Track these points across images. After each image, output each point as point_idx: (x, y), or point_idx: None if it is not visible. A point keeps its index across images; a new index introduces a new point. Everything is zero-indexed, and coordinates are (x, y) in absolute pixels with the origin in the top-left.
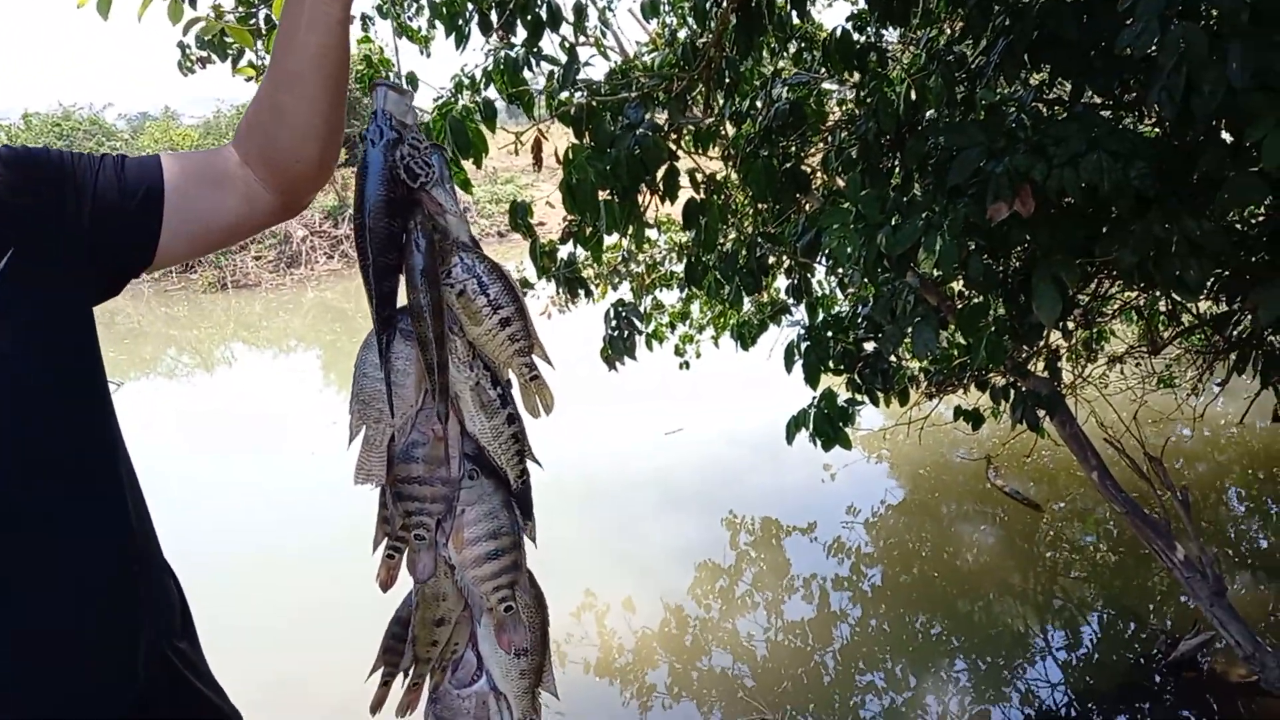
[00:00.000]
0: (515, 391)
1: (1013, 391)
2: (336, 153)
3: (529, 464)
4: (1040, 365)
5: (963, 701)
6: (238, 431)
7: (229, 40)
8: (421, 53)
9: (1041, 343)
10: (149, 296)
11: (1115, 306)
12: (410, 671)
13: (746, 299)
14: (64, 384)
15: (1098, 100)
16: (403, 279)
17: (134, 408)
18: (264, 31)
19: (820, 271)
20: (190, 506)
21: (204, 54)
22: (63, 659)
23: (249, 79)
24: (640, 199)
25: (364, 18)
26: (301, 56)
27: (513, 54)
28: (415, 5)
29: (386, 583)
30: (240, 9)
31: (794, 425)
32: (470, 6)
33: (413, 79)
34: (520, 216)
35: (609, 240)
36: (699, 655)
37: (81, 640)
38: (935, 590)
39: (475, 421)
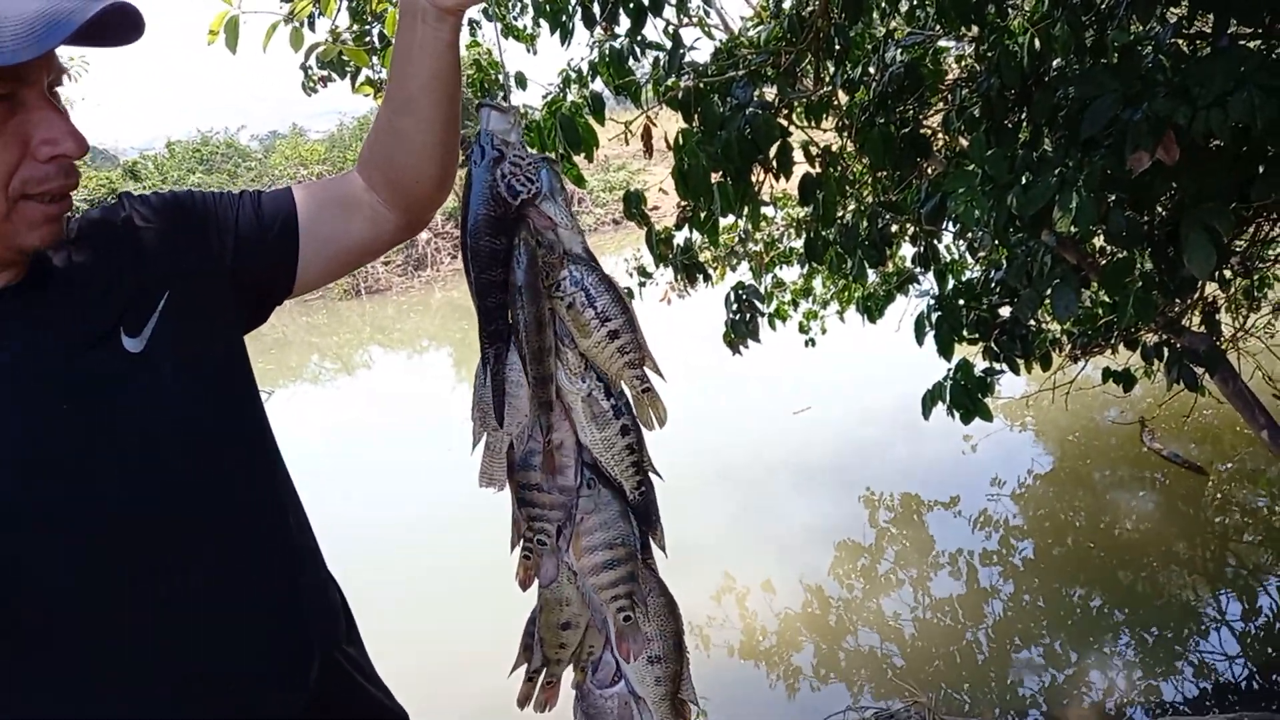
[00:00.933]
0: (632, 404)
1: (1166, 350)
2: (454, 170)
3: (652, 477)
4: (1196, 319)
5: (1130, 677)
6: (380, 432)
7: (346, 60)
8: (528, 50)
9: (1196, 296)
10: (290, 307)
11: (1278, 251)
12: (543, 671)
13: (871, 271)
14: (225, 411)
15: (1245, 31)
16: None
17: (284, 414)
18: (378, 48)
19: (948, 237)
20: (340, 506)
21: (324, 73)
22: (237, 668)
23: (367, 94)
24: (754, 178)
25: (470, 23)
26: (415, 81)
27: (617, 45)
28: (519, 5)
29: (524, 582)
30: (355, 28)
31: (930, 399)
32: (572, 2)
33: (521, 79)
34: (634, 205)
35: (724, 222)
36: (844, 635)
37: (254, 650)
38: (1093, 562)
39: (588, 433)
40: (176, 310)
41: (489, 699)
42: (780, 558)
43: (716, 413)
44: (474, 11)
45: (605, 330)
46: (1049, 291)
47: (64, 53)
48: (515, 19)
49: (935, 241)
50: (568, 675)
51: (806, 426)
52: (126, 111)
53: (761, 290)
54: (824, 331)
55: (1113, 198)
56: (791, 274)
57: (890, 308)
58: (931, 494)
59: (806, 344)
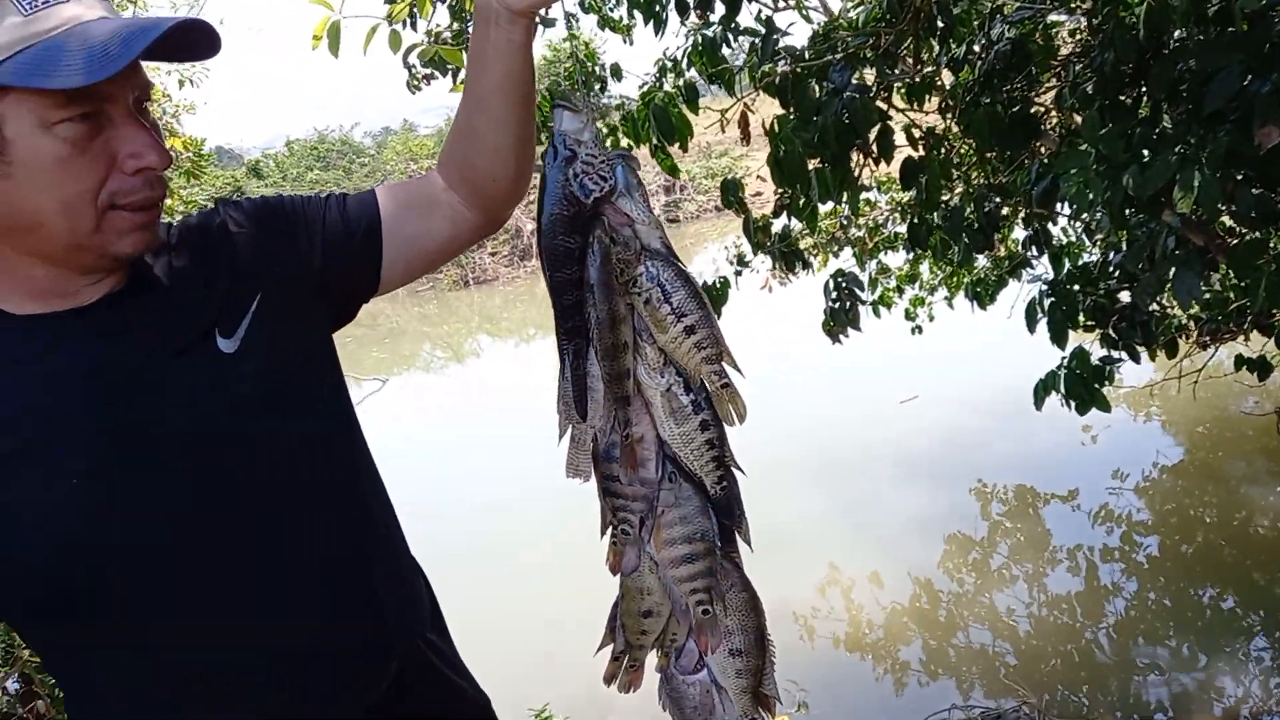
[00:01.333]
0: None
1: None
2: (530, 168)
3: (735, 472)
4: None
5: (1266, 684)
6: (489, 418)
7: (445, 59)
8: (625, 41)
9: None
10: (403, 298)
11: None
12: (626, 655)
13: (981, 256)
14: (312, 408)
15: None
16: None
17: (399, 401)
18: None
19: (1063, 219)
20: (447, 488)
21: (428, 71)
22: (316, 660)
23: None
24: (853, 163)
25: (568, 16)
26: (488, 82)
27: (709, 33)
28: None
29: (615, 567)
30: (454, 26)
31: (1042, 389)
32: None
33: (616, 70)
34: (732, 193)
35: (824, 209)
36: (954, 631)
37: (332, 643)
38: (1224, 560)
39: (666, 428)
40: (268, 311)
41: (582, 672)
42: (887, 550)
43: (820, 402)
44: (571, 4)
45: (681, 325)
46: (1170, 275)
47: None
48: (611, 10)
49: (1048, 224)
50: (653, 658)
51: (914, 416)
52: (250, 113)
53: (864, 277)
54: (931, 318)
55: (1239, 175)
56: (897, 260)
57: (1002, 293)
58: (1048, 486)
59: (913, 331)
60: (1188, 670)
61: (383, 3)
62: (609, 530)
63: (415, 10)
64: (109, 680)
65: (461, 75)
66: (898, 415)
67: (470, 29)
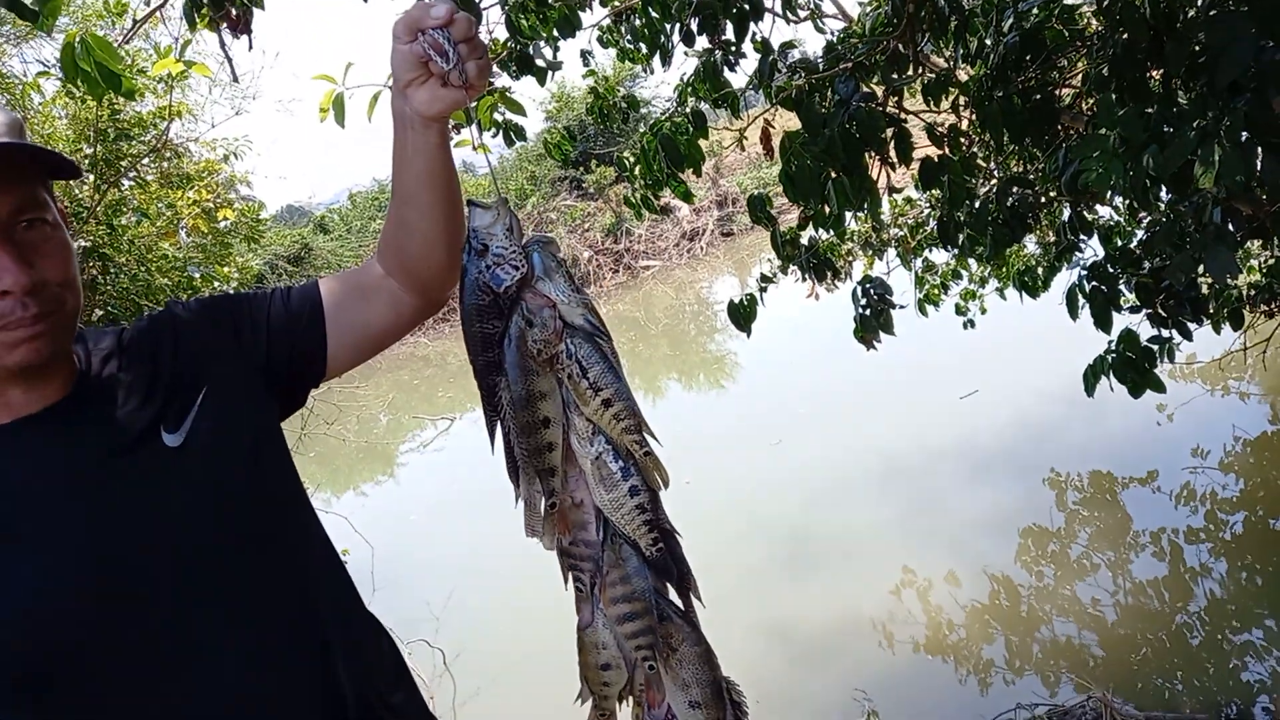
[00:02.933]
0: None
1: None
2: (460, 253)
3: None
4: None
5: None
6: None
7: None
8: (645, 71)
9: None
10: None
11: None
12: (592, 707)
13: (1030, 243)
14: (259, 494)
15: None
16: None
17: (469, 437)
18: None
19: (1112, 200)
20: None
21: (455, 122)
22: (264, 699)
23: (475, 149)
24: (872, 167)
25: (583, 53)
26: (412, 179)
27: (711, 59)
28: (628, 29)
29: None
30: None
31: (1091, 375)
32: (668, 25)
33: (633, 101)
34: (759, 209)
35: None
36: (1037, 626)
37: (282, 707)
38: None
39: (597, 494)
40: (214, 404)
41: None
42: (961, 548)
43: (879, 405)
44: (584, 42)
45: (599, 399)
46: (1205, 254)
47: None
48: (629, 42)
49: (1084, 209)
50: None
51: (976, 411)
52: (320, 170)
53: (911, 276)
54: (983, 311)
55: (1261, 146)
56: (943, 256)
57: (1056, 279)
58: (1125, 470)
59: (965, 325)
60: None
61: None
62: (569, 582)
63: None
64: None
65: (465, 135)
66: (961, 412)
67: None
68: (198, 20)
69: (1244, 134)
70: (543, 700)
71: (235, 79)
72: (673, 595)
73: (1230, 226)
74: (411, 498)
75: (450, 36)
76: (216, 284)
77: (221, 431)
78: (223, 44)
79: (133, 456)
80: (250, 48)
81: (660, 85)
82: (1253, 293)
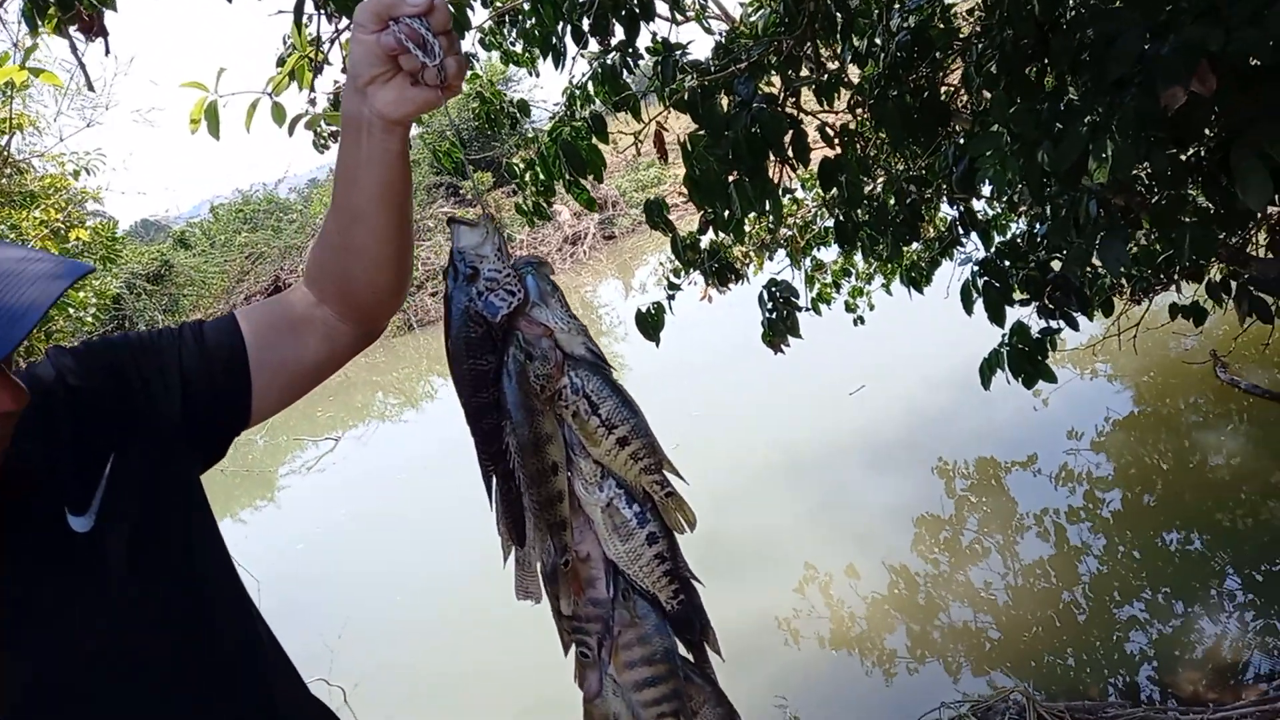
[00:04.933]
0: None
1: (1234, 283)
2: (409, 275)
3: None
4: (1262, 242)
5: (1242, 619)
6: (447, 464)
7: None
8: (531, 74)
9: (1259, 217)
10: None
11: None
12: None
13: (914, 243)
14: (185, 571)
15: None
16: None
17: (360, 454)
18: None
19: (987, 195)
20: (418, 537)
21: (334, 129)
22: None
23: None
24: (772, 170)
25: (468, 56)
26: (364, 194)
27: (609, 61)
28: (515, 31)
29: (582, 683)
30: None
31: (987, 369)
32: (559, 25)
33: (524, 106)
34: (656, 214)
35: (749, 217)
36: (935, 613)
37: None
38: (1186, 505)
39: (610, 546)
40: (124, 475)
41: None
42: (860, 541)
43: (774, 405)
44: (469, 45)
45: (614, 438)
46: (1097, 244)
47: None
48: (513, 44)
49: (972, 203)
50: None
51: (868, 406)
52: (178, 182)
53: (802, 276)
54: (871, 308)
55: (1151, 139)
56: (830, 254)
57: (937, 273)
58: (1007, 455)
59: (855, 323)
60: (1166, 619)
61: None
62: (571, 648)
63: (297, 81)
64: None
65: None
66: (853, 408)
67: None
68: (41, 23)
69: (1135, 128)
70: None
71: (90, 87)
72: (680, 648)
73: (1104, 219)
74: (296, 523)
75: (429, 26)
76: (71, 310)
77: (138, 506)
78: (74, 48)
79: (32, 552)
80: (107, 52)
81: (533, 89)
82: (1122, 281)
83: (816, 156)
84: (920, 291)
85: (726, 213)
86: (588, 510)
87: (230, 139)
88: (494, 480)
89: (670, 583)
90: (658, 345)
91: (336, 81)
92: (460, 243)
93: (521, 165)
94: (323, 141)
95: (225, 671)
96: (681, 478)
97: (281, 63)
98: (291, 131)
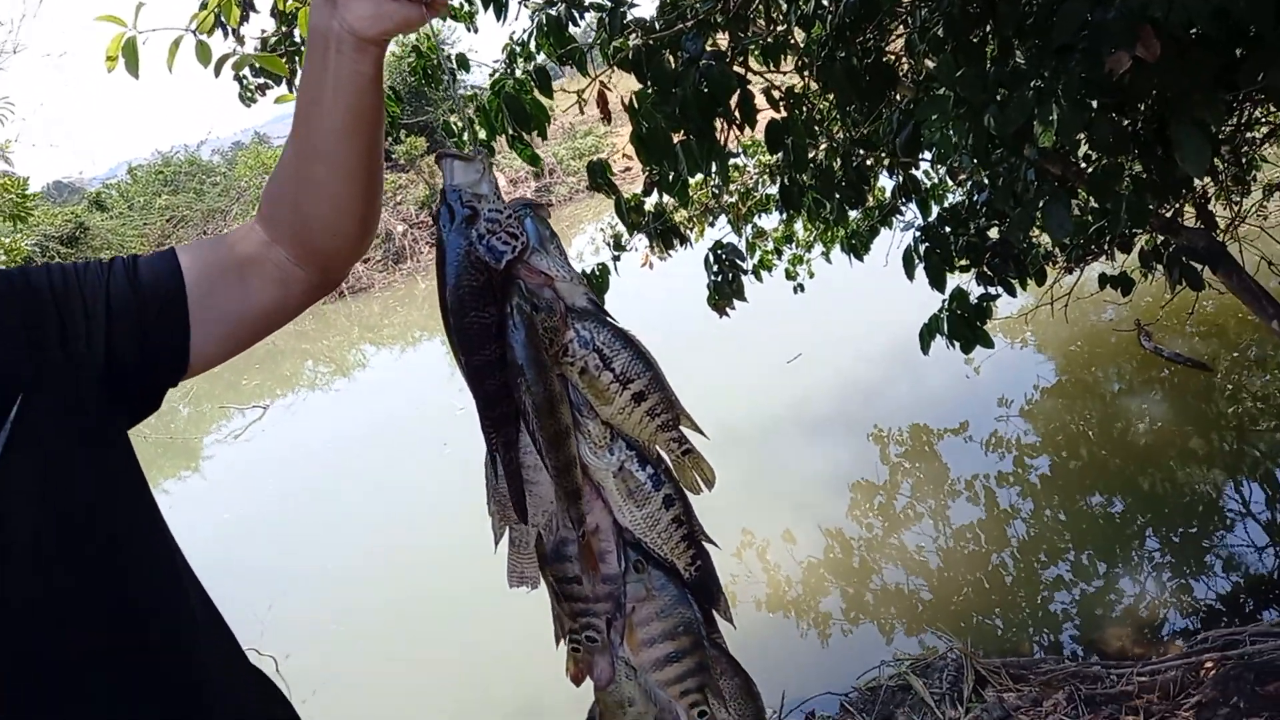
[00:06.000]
0: (671, 467)
1: (1165, 252)
2: (376, 219)
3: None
4: (1190, 214)
5: (1160, 579)
6: (380, 430)
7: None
8: (469, 29)
9: (1188, 192)
10: None
11: (1264, 131)
12: None
13: (852, 211)
14: (106, 528)
15: None
16: None
17: (288, 423)
18: (302, 53)
19: (925, 163)
20: (349, 510)
21: (261, 81)
22: None
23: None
24: (718, 132)
25: None
26: (329, 123)
27: (553, 13)
28: None
29: (577, 677)
30: (281, 30)
31: (927, 333)
32: None
33: (463, 61)
34: (600, 175)
35: (695, 180)
36: (869, 576)
37: None
38: (1110, 470)
39: (625, 513)
40: (34, 421)
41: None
42: (796, 507)
43: (711, 372)
44: None
45: (629, 394)
46: (1039, 210)
47: None
48: None
49: (913, 170)
50: None
51: (805, 375)
52: (92, 143)
53: (742, 243)
54: (811, 275)
55: (1095, 104)
56: (771, 222)
57: (876, 242)
58: (940, 422)
59: (795, 290)
60: (1089, 579)
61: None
62: (566, 638)
63: (223, 18)
64: None
65: (284, 88)
66: (790, 377)
67: (291, 34)
68: None
69: (1080, 93)
70: (379, 700)
71: None
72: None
73: (1044, 187)
74: (221, 494)
75: None
76: None
77: (48, 457)
78: None
79: None
80: None
81: (470, 50)
82: (1056, 250)
83: (763, 120)
84: (860, 259)
85: (672, 174)
86: (597, 477)
87: (148, 97)
88: (498, 448)
89: (689, 548)
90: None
91: (264, 30)
92: (455, 179)
93: (459, 125)
94: (250, 93)
95: (139, 625)
96: (701, 432)
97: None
98: (218, 73)
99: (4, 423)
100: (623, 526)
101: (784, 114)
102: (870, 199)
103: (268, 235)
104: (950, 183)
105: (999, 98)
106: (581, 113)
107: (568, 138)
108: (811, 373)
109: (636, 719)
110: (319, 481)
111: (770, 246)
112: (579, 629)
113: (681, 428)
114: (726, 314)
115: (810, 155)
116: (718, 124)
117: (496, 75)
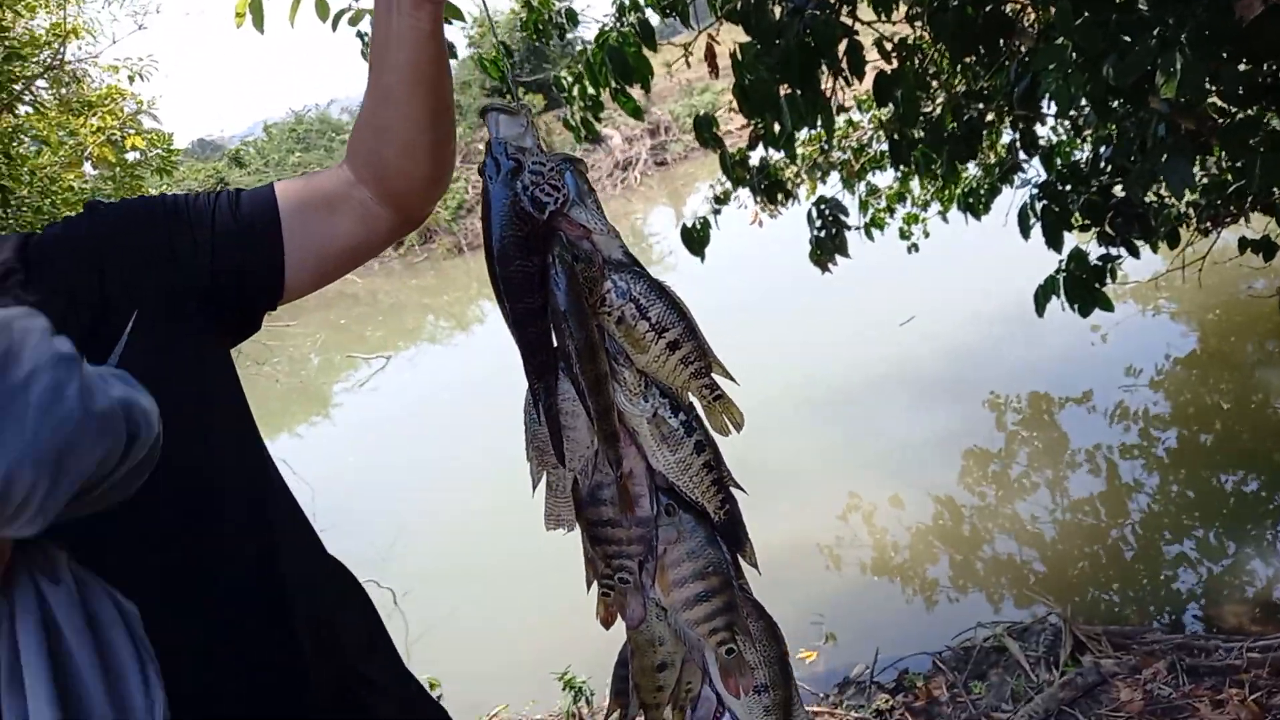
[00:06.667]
0: (701, 414)
1: None
2: (448, 165)
3: (733, 490)
4: None
5: None
6: (494, 383)
7: None
8: None
9: None
10: (399, 272)
11: None
12: (642, 717)
13: (971, 165)
14: (203, 435)
15: None
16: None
17: (410, 375)
18: None
19: (1051, 119)
20: (464, 460)
21: None
22: (224, 696)
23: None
24: (824, 85)
25: None
26: (394, 74)
27: None
28: None
29: (607, 620)
30: None
31: (1042, 294)
32: None
33: (572, 15)
34: (706, 129)
35: (802, 135)
36: (979, 545)
37: (242, 680)
38: (1244, 446)
39: (659, 457)
40: (148, 332)
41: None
42: (905, 472)
43: (820, 333)
44: None
45: (664, 342)
46: (1161, 164)
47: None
48: None
49: (1035, 125)
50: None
51: (917, 337)
52: (230, 101)
53: (855, 199)
54: (926, 235)
55: (1223, 54)
56: (885, 179)
57: (996, 201)
58: (1062, 391)
59: (909, 250)
60: (1216, 559)
61: None
62: (596, 582)
63: None
64: None
65: None
66: (902, 338)
67: None
68: None
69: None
70: (493, 637)
71: None
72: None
73: (1171, 141)
74: (349, 439)
75: None
76: None
77: (161, 366)
78: None
79: None
80: None
81: (585, 9)
82: (1190, 211)
83: (873, 73)
84: (978, 218)
85: (777, 127)
86: (632, 423)
87: (284, 60)
88: (540, 394)
89: (718, 492)
90: (703, 261)
91: None
92: (500, 132)
93: (570, 79)
94: (369, 49)
95: (225, 522)
96: (732, 378)
97: None
98: (335, 27)
99: (121, 336)
100: (655, 471)
101: (894, 66)
102: (990, 156)
103: (353, 176)
104: (1076, 139)
105: (1120, 47)
106: (688, 66)
107: (684, 94)
108: (924, 334)
109: (666, 657)
110: (437, 431)
111: (883, 205)
112: (611, 571)
113: (714, 375)
114: (829, 269)
115: (924, 109)
116: (823, 76)
117: (607, 28)
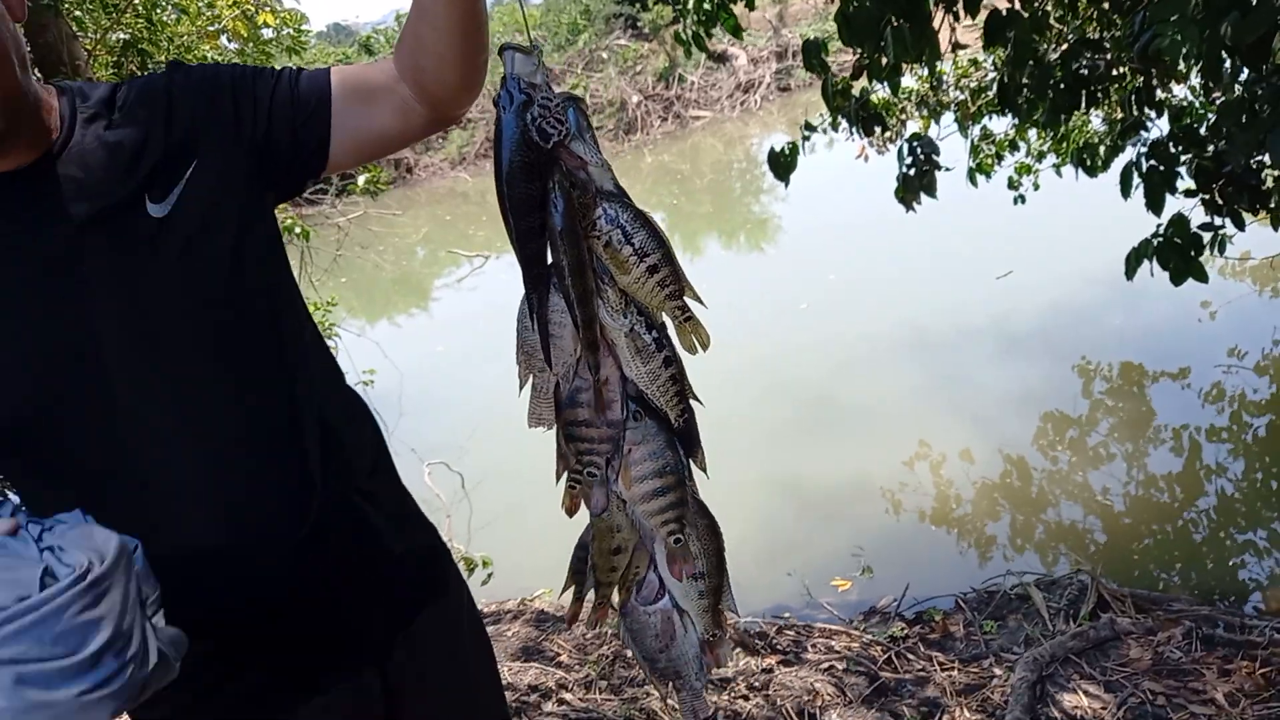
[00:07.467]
0: (672, 333)
1: None
2: (478, 77)
3: (691, 402)
4: None
5: None
6: None
7: None
8: None
9: None
10: None
11: None
12: (595, 593)
13: (1096, 119)
14: (243, 269)
15: None
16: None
17: (505, 275)
18: None
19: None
20: None
21: None
22: (235, 500)
23: None
24: (936, 18)
25: None
26: None
27: None
28: None
29: (571, 509)
30: None
31: (1134, 257)
32: None
33: None
34: (814, 54)
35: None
36: (1043, 508)
37: (252, 486)
38: None
39: (632, 367)
40: (205, 176)
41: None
42: (979, 426)
43: (916, 277)
44: None
45: (644, 265)
46: (1273, 134)
47: None
48: None
49: (1158, 84)
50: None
51: (1012, 291)
52: None
53: (968, 144)
54: (1036, 187)
55: None
56: (1003, 124)
57: (1116, 160)
58: (1157, 364)
59: (1016, 201)
60: None
61: None
62: (565, 475)
63: None
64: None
65: None
66: (996, 291)
67: None
68: None
69: None
70: (547, 533)
71: None
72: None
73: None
74: (443, 332)
75: None
76: None
77: (212, 206)
78: None
79: (115, 223)
80: None
81: None
82: None
83: (990, 9)
84: (1092, 175)
85: (881, 59)
86: (611, 336)
87: None
88: (534, 303)
89: (679, 402)
90: (786, 186)
91: None
92: (515, 69)
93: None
94: None
95: (255, 358)
96: (701, 302)
97: None
98: None
99: (182, 177)
100: (628, 380)
101: (1011, 6)
102: (1117, 112)
103: (397, 72)
104: (1209, 103)
105: (1246, 3)
106: None
107: (819, 19)
108: (1022, 289)
109: (622, 542)
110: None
111: (992, 151)
112: (581, 466)
113: (685, 298)
114: (913, 208)
115: (1041, 54)
116: (934, 10)
117: None
